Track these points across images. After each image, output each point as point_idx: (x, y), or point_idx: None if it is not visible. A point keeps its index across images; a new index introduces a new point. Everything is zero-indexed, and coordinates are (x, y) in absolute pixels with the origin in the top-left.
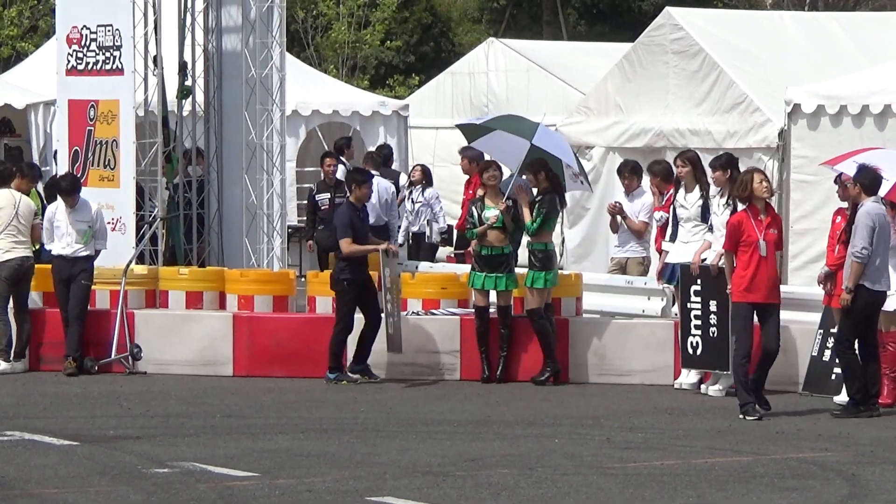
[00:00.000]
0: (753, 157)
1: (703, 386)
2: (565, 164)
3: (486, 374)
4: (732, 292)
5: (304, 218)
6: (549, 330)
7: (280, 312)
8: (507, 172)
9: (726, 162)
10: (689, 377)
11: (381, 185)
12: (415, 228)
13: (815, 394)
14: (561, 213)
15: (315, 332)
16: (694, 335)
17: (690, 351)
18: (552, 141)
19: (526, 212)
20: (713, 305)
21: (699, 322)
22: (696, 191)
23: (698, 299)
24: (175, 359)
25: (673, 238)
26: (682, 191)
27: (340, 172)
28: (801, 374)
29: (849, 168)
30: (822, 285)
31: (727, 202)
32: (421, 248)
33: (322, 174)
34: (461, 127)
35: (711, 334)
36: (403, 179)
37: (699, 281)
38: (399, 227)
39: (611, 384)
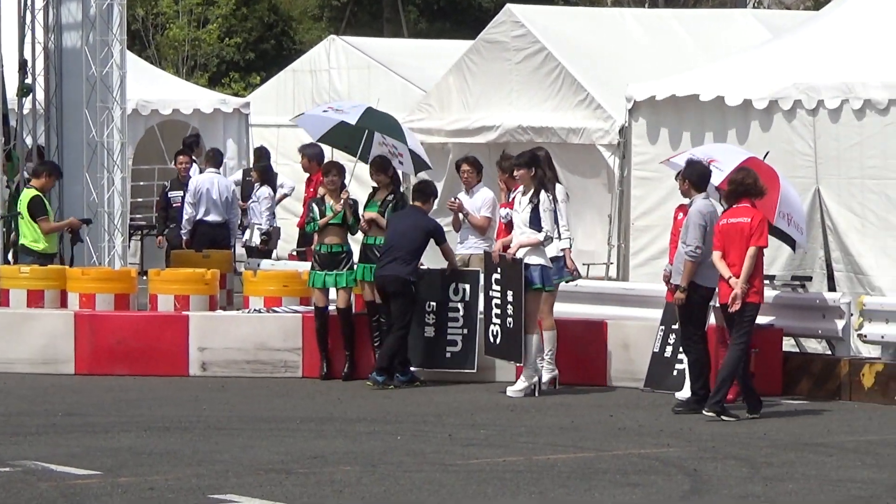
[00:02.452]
0: (596, 155)
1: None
2: (379, 142)
3: (324, 371)
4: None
5: (142, 216)
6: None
7: (121, 311)
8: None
9: (530, 160)
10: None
11: (221, 182)
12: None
13: (656, 390)
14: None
15: (157, 329)
16: (494, 324)
17: (491, 339)
18: (384, 123)
19: (371, 213)
20: (510, 296)
21: (499, 311)
22: (530, 195)
23: (498, 288)
24: (16, 357)
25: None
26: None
27: (194, 170)
28: (643, 371)
29: (681, 160)
30: (666, 282)
31: (530, 199)
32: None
33: (176, 172)
34: (300, 121)
35: (508, 325)
36: (285, 181)
37: (500, 270)
38: (260, 226)
39: (453, 382)
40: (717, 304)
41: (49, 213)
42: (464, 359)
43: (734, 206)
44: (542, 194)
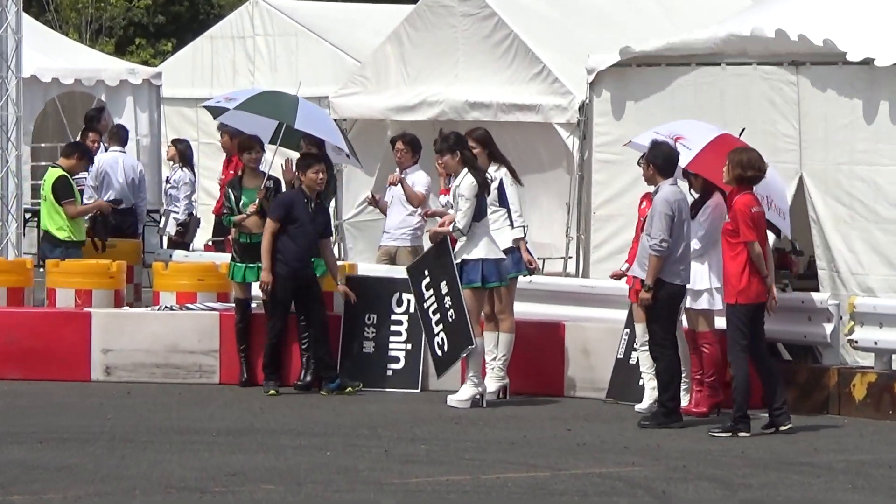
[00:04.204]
0: (553, 134)
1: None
2: (331, 145)
3: (244, 377)
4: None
5: (40, 201)
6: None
7: (15, 306)
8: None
9: (455, 143)
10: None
11: (127, 162)
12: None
13: (620, 401)
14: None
15: (54, 328)
16: (438, 333)
17: (440, 353)
18: (315, 120)
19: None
20: (444, 287)
21: (438, 315)
22: (490, 171)
23: (430, 292)
24: None
25: None
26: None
27: (102, 149)
28: (605, 379)
29: (645, 140)
30: (617, 278)
31: (456, 186)
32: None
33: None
34: (209, 108)
35: (450, 318)
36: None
37: (426, 272)
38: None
39: (386, 390)
40: (689, 306)
41: (76, 196)
42: (407, 377)
43: (750, 192)
44: (466, 177)
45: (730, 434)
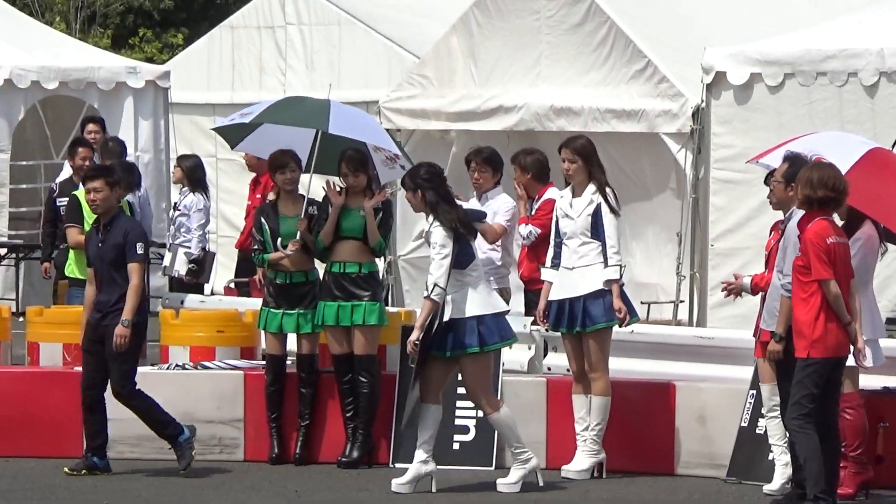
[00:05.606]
0: (660, 148)
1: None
2: (371, 146)
3: (275, 452)
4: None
5: (18, 232)
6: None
7: None
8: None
9: (417, 178)
10: (579, 462)
11: None
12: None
13: (744, 481)
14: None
15: (38, 391)
16: None
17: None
18: (351, 121)
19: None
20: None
21: None
22: (587, 194)
23: None
24: None
25: (554, 263)
26: (567, 194)
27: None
28: (726, 453)
29: (777, 161)
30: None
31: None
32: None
33: (70, 169)
34: (220, 131)
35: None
36: None
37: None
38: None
39: (451, 468)
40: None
41: (84, 222)
42: (478, 451)
43: (828, 217)
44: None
45: None
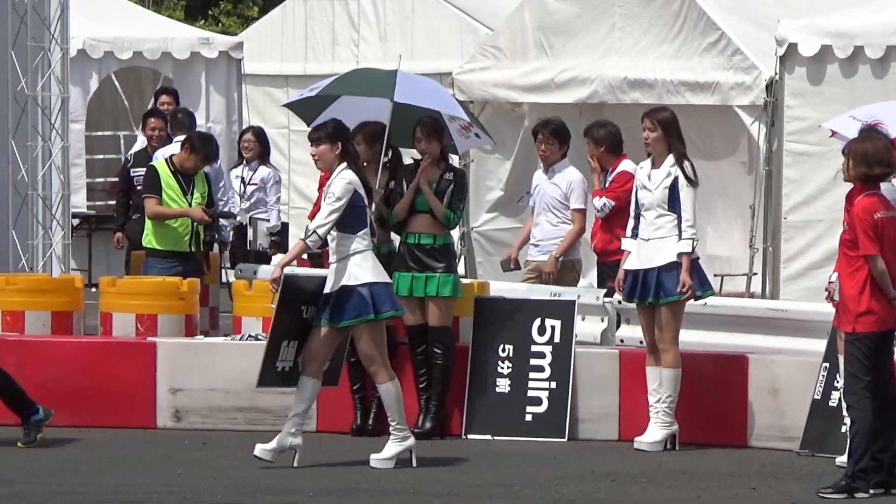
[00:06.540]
0: (733, 120)
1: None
2: (447, 115)
3: (357, 422)
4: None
5: (95, 203)
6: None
7: (61, 335)
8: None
9: (333, 132)
10: (651, 434)
11: None
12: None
13: (817, 453)
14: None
15: (111, 362)
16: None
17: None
18: (419, 90)
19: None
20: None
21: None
22: (665, 166)
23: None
24: None
25: (634, 233)
26: (646, 165)
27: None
28: (799, 426)
29: (845, 127)
30: (830, 300)
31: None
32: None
33: (144, 140)
34: (292, 107)
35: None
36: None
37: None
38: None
39: (523, 440)
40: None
41: (164, 193)
42: (551, 423)
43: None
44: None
45: (844, 495)
